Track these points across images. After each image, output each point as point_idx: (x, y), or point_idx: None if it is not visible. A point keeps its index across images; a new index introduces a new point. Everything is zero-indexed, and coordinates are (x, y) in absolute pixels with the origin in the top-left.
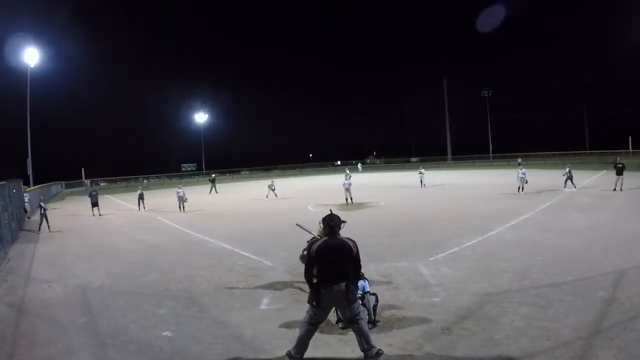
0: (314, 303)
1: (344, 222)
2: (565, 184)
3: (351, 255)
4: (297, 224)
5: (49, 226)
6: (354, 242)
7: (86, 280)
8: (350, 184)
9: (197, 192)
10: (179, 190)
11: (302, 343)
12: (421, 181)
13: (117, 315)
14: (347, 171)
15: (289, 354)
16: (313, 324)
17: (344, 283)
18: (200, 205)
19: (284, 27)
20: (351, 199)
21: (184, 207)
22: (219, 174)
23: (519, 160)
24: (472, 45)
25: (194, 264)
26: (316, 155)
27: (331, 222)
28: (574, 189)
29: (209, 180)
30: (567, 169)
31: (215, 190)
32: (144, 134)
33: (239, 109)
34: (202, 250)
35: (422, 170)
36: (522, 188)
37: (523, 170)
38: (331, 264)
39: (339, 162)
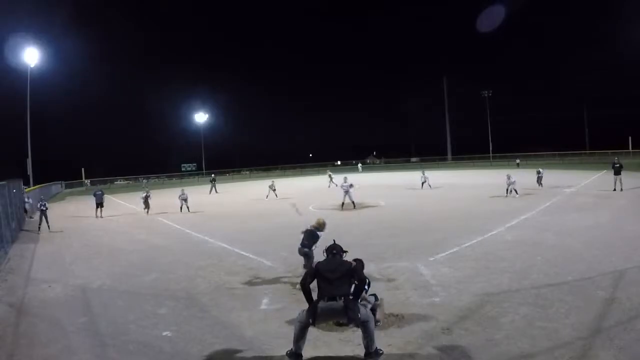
0: (311, 320)
1: (345, 251)
2: (539, 183)
3: (352, 274)
4: (293, 204)
5: (48, 226)
6: (359, 260)
7: (86, 280)
8: (346, 186)
9: (197, 192)
10: (182, 194)
11: (298, 340)
12: (422, 183)
13: (117, 315)
14: (329, 172)
15: (288, 353)
16: (305, 325)
17: (342, 301)
18: (200, 205)
19: (284, 27)
20: (353, 202)
21: (187, 208)
22: (219, 174)
23: (518, 160)
24: (472, 45)
25: (194, 264)
26: (316, 155)
27: (333, 250)
28: (541, 187)
29: (210, 180)
30: (538, 169)
31: (215, 190)
32: (144, 134)
33: (239, 109)
34: (202, 250)
35: (425, 174)
36: (515, 191)
37: (511, 178)
38: (330, 281)
39: (339, 162)
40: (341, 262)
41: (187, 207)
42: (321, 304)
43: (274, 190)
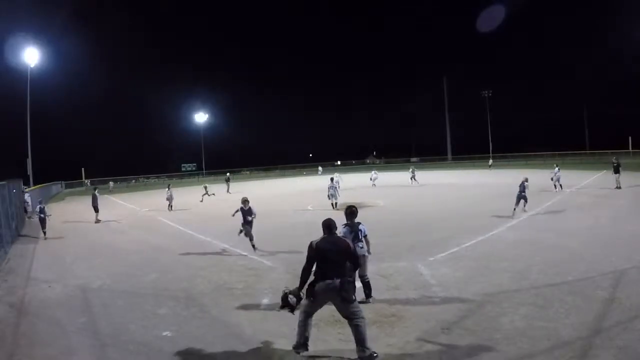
0: (312, 298)
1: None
2: (411, 181)
3: (349, 252)
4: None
5: (45, 231)
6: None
7: (86, 280)
8: (335, 187)
9: (190, 193)
10: (168, 191)
11: (304, 330)
12: (371, 179)
13: (117, 315)
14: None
15: (295, 345)
16: (309, 315)
17: (339, 280)
18: (201, 206)
19: (284, 28)
20: (336, 203)
21: (171, 207)
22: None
23: (490, 162)
24: (472, 45)
25: (194, 264)
26: (316, 155)
27: (330, 225)
28: (415, 184)
29: (225, 180)
30: (411, 169)
31: (228, 189)
32: (144, 134)
33: (239, 109)
34: (202, 250)
35: (375, 173)
36: (560, 186)
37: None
38: (330, 259)
39: (339, 162)
40: (338, 239)
41: (171, 206)
42: (319, 283)
43: (207, 194)
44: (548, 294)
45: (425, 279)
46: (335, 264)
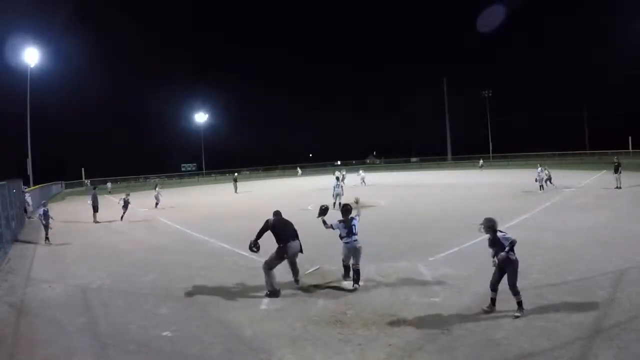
0: (285, 255)
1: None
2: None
3: (291, 224)
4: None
5: (48, 237)
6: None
7: (86, 280)
8: (341, 186)
9: (201, 192)
10: (155, 190)
11: (272, 279)
12: (342, 178)
13: (117, 315)
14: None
15: (268, 294)
16: (275, 265)
17: (297, 240)
18: (201, 206)
19: (284, 28)
20: (339, 203)
21: (156, 205)
22: (222, 174)
23: (481, 162)
24: (472, 45)
25: (194, 264)
26: (316, 155)
27: (278, 212)
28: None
29: (233, 179)
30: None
31: (235, 189)
32: (144, 134)
33: (239, 109)
34: (202, 250)
35: (362, 172)
36: (542, 187)
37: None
38: (287, 229)
39: (339, 162)
40: (285, 220)
41: (156, 204)
42: (290, 244)
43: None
44: (548, 294)
45: (425, 279)
46: (289, 230)
